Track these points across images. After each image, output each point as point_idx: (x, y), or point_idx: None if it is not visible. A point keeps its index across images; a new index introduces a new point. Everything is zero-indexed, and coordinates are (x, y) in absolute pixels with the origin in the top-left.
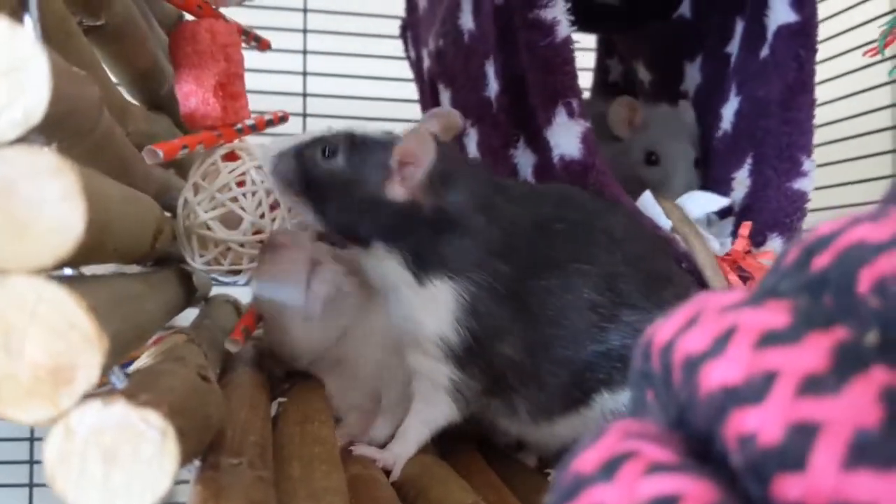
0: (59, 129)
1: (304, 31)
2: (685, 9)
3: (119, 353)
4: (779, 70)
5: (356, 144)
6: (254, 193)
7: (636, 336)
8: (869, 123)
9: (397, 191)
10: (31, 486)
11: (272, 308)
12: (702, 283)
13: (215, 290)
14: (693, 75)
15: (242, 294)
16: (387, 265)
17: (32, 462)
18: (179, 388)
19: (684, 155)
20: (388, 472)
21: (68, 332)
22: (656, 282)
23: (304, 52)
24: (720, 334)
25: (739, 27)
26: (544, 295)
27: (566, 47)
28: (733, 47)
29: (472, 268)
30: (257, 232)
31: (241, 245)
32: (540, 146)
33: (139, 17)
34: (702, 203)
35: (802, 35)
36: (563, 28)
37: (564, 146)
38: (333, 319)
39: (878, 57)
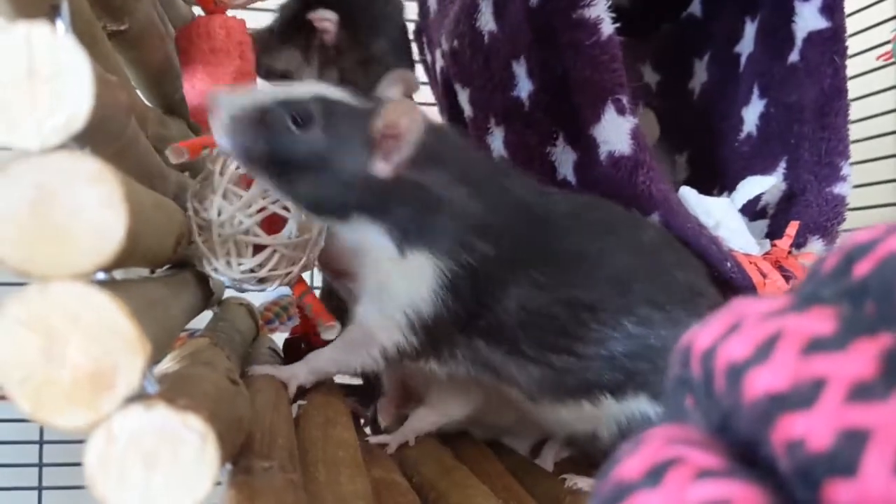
0: (94, 134)
1: None
2: (695, 7)
3: (154, 358)
4: (813, 76)
5: (333, 112)
6: None
7: (646, 349)
8: (876, 127)
9: (382, 167)
10: (39, 489)
11: None
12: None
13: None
14: (700, 73)
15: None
16: (366, 237)
17: (42, 465)
18: (213, 393)
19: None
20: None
21: (110, 338)
22: (675, 296)
23: None
24: (764, 341)
25: (750, 29)
26: (533, 286)
27: (612, 44)
28: (743, 48)
29: (457, 247)
30: (300, 234)
31: (286, 247)
32: (583, 144)
33: (159, 22)
34: (752, 186)
35: (835, 41)
36: (607, 26)
37: (614, 142)
38: None
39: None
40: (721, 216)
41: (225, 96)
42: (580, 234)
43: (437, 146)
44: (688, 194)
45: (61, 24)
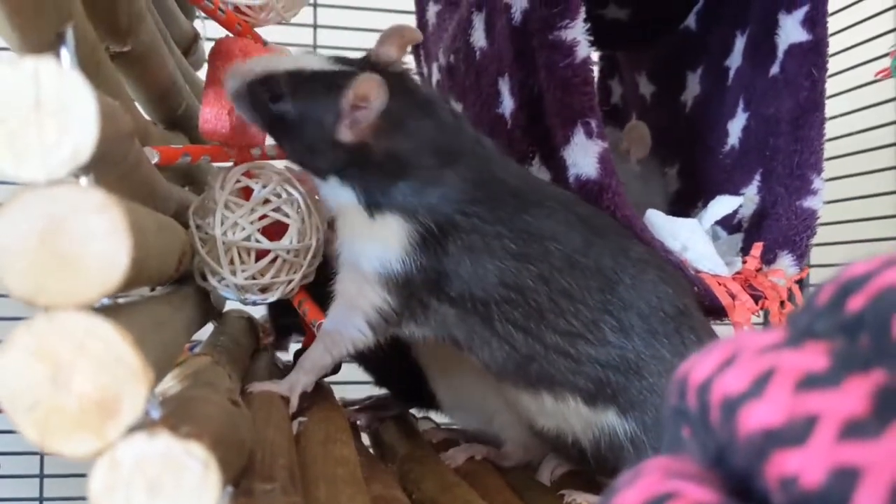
0: (98, 163)
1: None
2: (691, 20)
3: (158, 379)
4: (790, 88)
5: (302, 86)
6: (292, 203)
7: (621, 360)
8: (874, 139)
9: (347, 133)
10: (41, 500)
11: None
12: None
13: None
14: (693, 86)
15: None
16: (341, 196)
17: (42, 476)
18: (215, 417)
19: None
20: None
21: (114, 366)
22: (659, 310)
23: None
24: (759, 375)
25: (739, 42)
26: (511, 258)
27: (585, 67)
28: (732, 61)
29: (424, 212)
30: (300, 240)
31: (288, 252)
32: (555, 164)
33: (161, 42)
34: (721, 206)
35: (815, 54)
36: (583, 48)
37: (581, 165)
38: None
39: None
40: (687, 238)
41: (232, 72)
42: (565, 221)
43: (405, 115)
44: (654, 217)
45: (66, 52)
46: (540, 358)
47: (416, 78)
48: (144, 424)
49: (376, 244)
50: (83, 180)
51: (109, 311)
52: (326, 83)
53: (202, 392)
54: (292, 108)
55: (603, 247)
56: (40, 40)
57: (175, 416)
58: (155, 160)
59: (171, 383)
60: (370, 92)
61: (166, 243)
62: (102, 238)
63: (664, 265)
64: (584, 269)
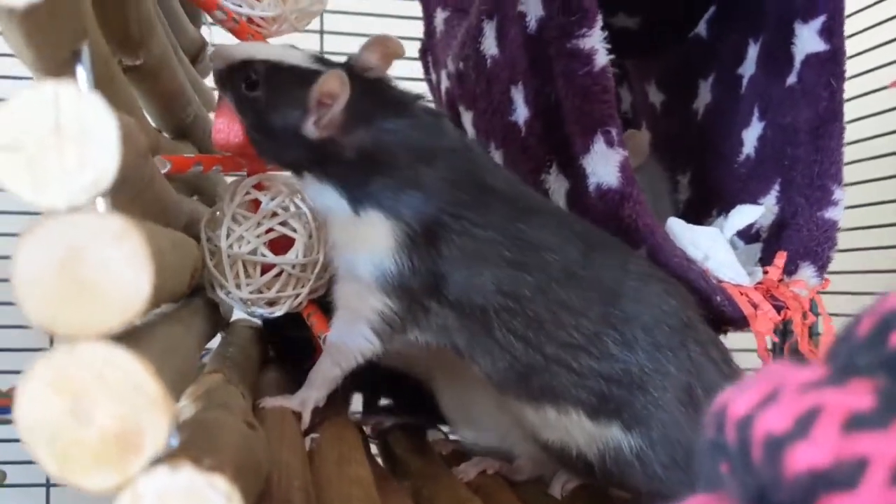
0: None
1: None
2: (701, 28)
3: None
4: (808, 98)
5: (275, 77)
6: (300, 217)
7: (625, 374)
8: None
9: (312, 129)
10: None
11: None
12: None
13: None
14: (704, 94)
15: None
16: (322, 195)
17: (49, 486)
18: (234, 443)
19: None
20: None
21: (135, 397)
22: (664, 322)
23: None
24: (803, 414)
25: (752, 50)
26: (507, 265)
27: (605, 75)
28: (745, 70)
29: (407, 211)
30: (307, 255)
31: (293, 267)
32: (574, 173)
33: (172, 53)
34: (742, 216)
35: (833, 63)
36: (601, 56)
37: (602, 174)
38: None
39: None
40: (709, 247)
41: (218, 50)
42: (560, 233)
43: (373, 110)
44: (675, 225)
45: (82, 70)
46: (541, 370)
47: (393, 82)
48: (164, 453)
49: (367, 247)
50: (100, 204)
51: (127, 338)
52: (299, 78)
53: (218, 415)
54: (263, 96)
55: (602, 259)
56: (56, 58)
57: (195, 445)
58: (166, 169)
59: (184, 402)
60: (334, 88)
61: (180, 261)
62: (123, 266)
63: (667, 278)
64: (584, 280)
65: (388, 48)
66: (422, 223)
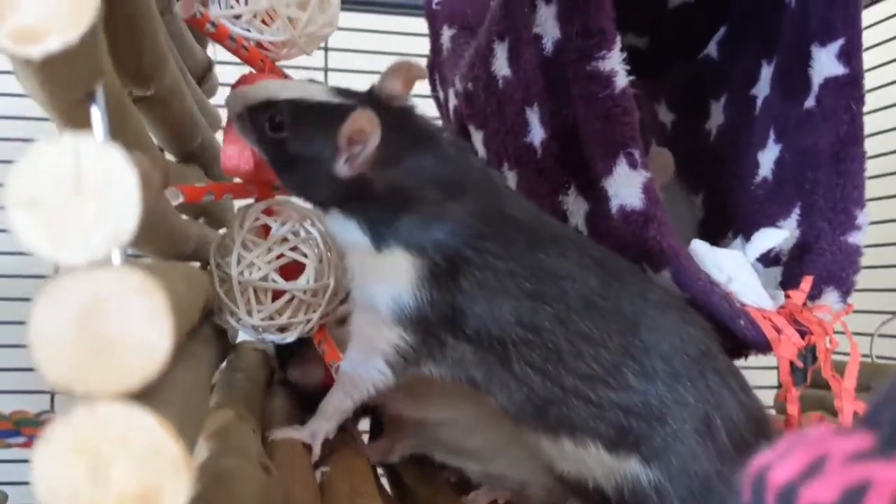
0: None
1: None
2: (712, 49)
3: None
4: (829, 122)
5: (301, 117)
6: (310, 242)
7: (644, 406)
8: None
9: (343, 168)
10: None
11: None
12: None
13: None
14: (717, 115)
15: None
16: (345, 230)
17: None
18: (251, 493)
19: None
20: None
21: (154, 459)
22: (683, 351)
23: None
24: (852, 488)
25: (766, 72)
26: (520, 298)
27: (626, 97)
28: (758, 91)
29: (432, 246)
30: (318, 280)
31: (304, 293)
32: (595, 195)
33: (182, 80)
34: (766, 239)
35: (852, 87)
36: (622, 78)
37: (625, 196)
38: None
39: None
40: (733, 270)
41: (235, 94)
42: (580, 261)
43: (403, 149)
44: (698, 247)
45: (97, 110)
46: (559, 402)
47: (420, 112)
48: None
49: (387, 281)
50: (116, 255)
51: (146, 391)
52: (326, 116)
53: (233, 462)
54: (290, 138)
55: (621, 288)
56: (70, 99)
57: (213, 498)
58: (178, 201)
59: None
60: (365, 127)
61: (195, 298)
62: (143, 322)
63: (685, 306)
64: (603, 310)
65: (410, 74)
66: (446, 258)
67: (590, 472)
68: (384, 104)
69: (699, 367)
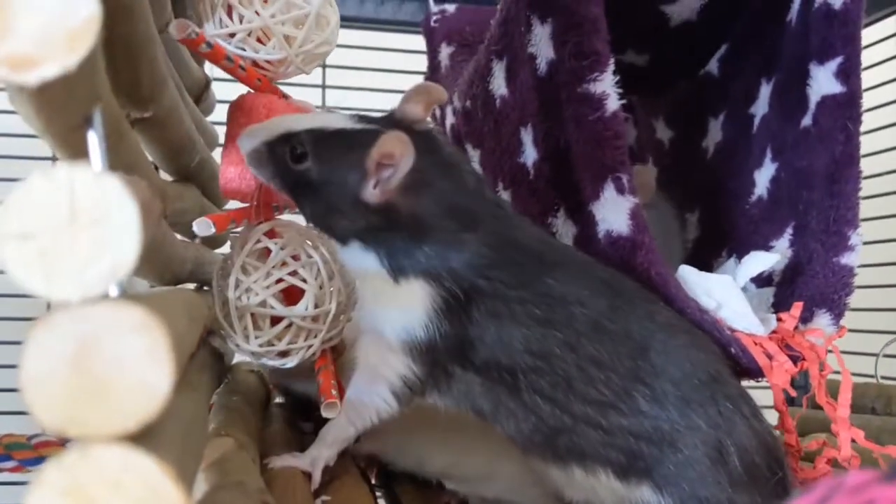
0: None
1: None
2: (713, 65)
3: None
4: (825, 142)
5: (324, 145)
6: (311, 267)
7: (655, 431)
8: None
9: (373, 194)
10: None
11: None
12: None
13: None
14: (715, 132)
15: None
16: (363, 263)
17: None
18: None
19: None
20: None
21: (151, 501)
22: (693, 376)
23: None
24: None
25: (765, 90)
26: (530, 326)
27: (616, 121)
28: (757, 109)
29: (448, 276)
30: (318, 305)
31: (303, 319)
32: (582, 219)
33: (180, 101)
34: (757, 263)
35: (848, 106)
36: (613, 101)
37: (612, 221)
38: None
39: None
40: (722, 296)
41: (248, 132)
42: (588, 284)
43: (430, 177)
44: (687, 274)
45: (94, 135)
46: (568, 430)
47: (441, 137)
48: None
49: (400, 310)
50: (113, 289)
51: (143, 435)
52: (351, 142)
53: (232, 497)
54: (315, 167)
55: (629, 311)
56: (67, 124)
57: None
58: (210, 232)
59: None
60: (396, 150)
61: (195, 327)
62: (141, 361)
63: (693, 329)
64: (612, 334)
65: (431, 97)
66: (461, 288)
67: (599, 501)
68: (407, 128)
69: (710, 391)
